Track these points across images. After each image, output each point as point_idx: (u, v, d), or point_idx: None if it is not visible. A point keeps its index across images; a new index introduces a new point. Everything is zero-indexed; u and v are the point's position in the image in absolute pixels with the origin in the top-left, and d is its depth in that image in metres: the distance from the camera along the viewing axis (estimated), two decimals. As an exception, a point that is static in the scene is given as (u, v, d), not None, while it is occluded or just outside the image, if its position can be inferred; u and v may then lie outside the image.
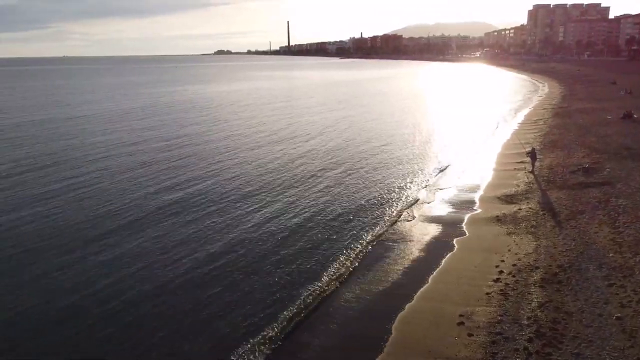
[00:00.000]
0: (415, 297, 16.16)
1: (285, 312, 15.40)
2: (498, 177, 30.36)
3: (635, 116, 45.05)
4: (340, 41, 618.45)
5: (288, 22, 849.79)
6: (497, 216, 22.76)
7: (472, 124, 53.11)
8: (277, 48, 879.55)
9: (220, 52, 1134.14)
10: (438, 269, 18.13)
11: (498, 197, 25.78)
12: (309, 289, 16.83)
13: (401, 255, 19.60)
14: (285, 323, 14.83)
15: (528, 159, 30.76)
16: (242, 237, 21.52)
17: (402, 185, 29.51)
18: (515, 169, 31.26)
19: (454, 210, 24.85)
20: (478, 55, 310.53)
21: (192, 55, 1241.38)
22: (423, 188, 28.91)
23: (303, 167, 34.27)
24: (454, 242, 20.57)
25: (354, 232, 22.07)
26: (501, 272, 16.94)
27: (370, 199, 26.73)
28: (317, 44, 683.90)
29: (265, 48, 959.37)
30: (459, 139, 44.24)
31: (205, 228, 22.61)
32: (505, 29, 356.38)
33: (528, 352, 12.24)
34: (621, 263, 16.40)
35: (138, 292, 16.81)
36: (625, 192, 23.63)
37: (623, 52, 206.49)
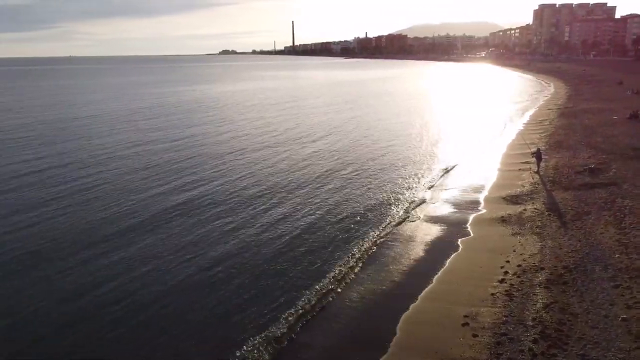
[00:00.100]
0: (419, 298, 16.17)
1: (290, 313, 15.44)
2: (503, 177, 30.30)
3: (642, 116, 44.81)
4: (345, 41, 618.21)
5: (293, 22, 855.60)
6: (502, 217, 22.73)
7: (478, 125, 53.00)
8: (282, 48, 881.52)
9: (225, 52, 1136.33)
10: (443, 270, 18.13)
11: (503, 198, 25.73)
12: (314, 289, 16.88)
13: (406, 255, 19.62)
14: (290, 323, 14.88)
15: (533, 160, 30.69)
16: (248, 238, 21.60)
17: (407, 185, 29.52)
18: (520, 169, 31.18)
19: (458, 210, 24.83)
20: (483, 55, 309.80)
21: (198, 55, 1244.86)
22: (429, 189, 28.91)
23: (310, 168, 34.33)
24: (459, 242, 20.57)
25: (360, 232, 22.11)
26: (506, 272, 16.92)
27: (377, 200, 26.75)
28: (322, 43, 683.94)
29: (270, 48, 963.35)
30: (464, 140, 44.19)
31: (211, 229, 22.68)
32: (510, 29, 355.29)
33: (533, 353, 12.21)
34: (627, 264, 16.34)
35: (145, 293, 16.90)
36: (631, 193, 23.53)
37: (630, 52, 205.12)
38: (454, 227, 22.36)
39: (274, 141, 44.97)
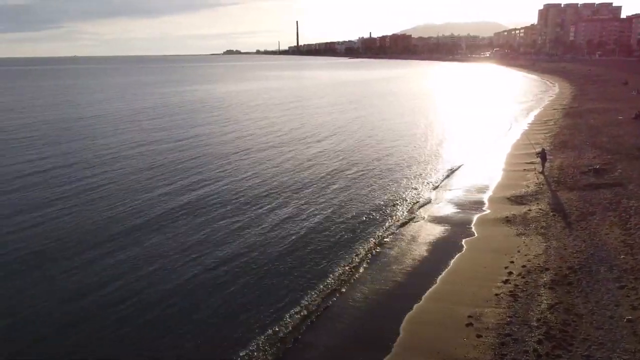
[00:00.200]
0: (423, 298, 16.18)
1: (294, 313, 15.48)
2: (508, 177, 30.24)
3: (647, 117, 44.62)
4: (349, 41, 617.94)
5: (297, 22, 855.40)
6: (507, 217, 22.69)
7: (482, 125, 52.91)
8: (286, 48, 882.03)
9: (229, 52, 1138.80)
10: (447, 270, 18.13)
11: (508, 198, 25.69)
12: (318, 289, 16.92)
13: (410, 255, 19.62)
14: (294, 323, 14.92)
15: (538, 160, 30.63)
16: (253, 238, 21.65)
17: (412, 186, 29.51)
18: (525, 169, 31.12)
19: (463, 210, 24.80)
20: (488, 55, 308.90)
21: (201, 55, 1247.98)
22: (433, 189, 28.89)
23: (315, 168, 34.36)
24: (463, 242, 20.55)
25: (364, 232, 22.13)
26: (510, 273, 16.90)
27: (381, 200, 26.76)
28: (326, 43, 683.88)
29: (274, 48, 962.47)
30: (469, 140, 44.12)
31: (217, 229, 22.74)
32: (515, 29, 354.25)
33: (537, 354, 12.20)
34: (632, 265, 16.29)
35: (150, 292, 16.96)
36: (637, 194, 23.44)
37: (635, 52, 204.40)
38: (458, 228, 22.34)
39: (278, 141, 45.03)
